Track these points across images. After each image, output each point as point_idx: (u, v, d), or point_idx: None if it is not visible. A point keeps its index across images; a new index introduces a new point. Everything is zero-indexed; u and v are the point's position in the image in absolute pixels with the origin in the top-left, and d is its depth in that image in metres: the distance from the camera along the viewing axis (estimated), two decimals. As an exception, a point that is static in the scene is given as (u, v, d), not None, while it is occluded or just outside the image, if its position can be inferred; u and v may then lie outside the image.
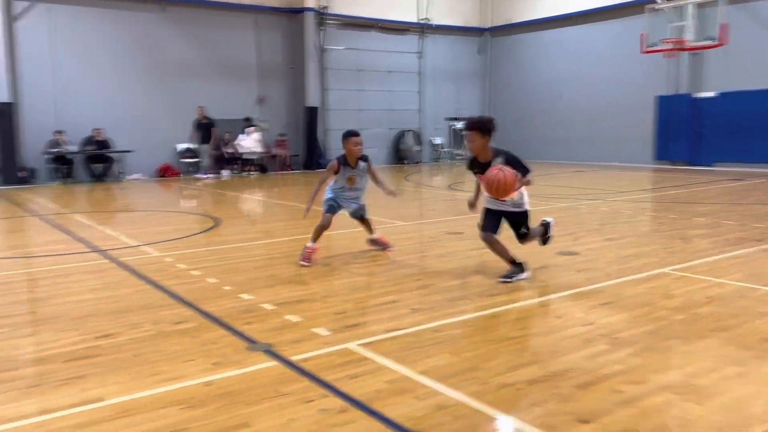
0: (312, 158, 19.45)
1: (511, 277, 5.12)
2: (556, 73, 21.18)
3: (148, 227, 8.82)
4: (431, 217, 9.80)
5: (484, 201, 5.32)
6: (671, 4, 16.65)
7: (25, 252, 7.32)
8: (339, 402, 2.96)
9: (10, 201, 12.21)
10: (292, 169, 19.23)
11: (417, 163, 21.71)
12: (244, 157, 18.02)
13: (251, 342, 3.81)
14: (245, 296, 4.86)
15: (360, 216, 6.39)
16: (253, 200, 12.69)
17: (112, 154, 16.59)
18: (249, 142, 17.97)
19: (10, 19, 15.37)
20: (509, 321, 4.27)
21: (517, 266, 5.19)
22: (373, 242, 6.54)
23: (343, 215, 6.37)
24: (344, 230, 7.37)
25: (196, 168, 17.52)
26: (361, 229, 6.59)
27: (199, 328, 4.13)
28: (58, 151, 15.85)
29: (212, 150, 17.32)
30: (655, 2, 16.76)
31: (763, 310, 4.36)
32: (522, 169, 4.97)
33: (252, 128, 18.15)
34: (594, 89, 20.00)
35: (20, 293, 5.37)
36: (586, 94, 20.25)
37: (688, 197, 11.11)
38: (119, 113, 16.73)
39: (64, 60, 16.11)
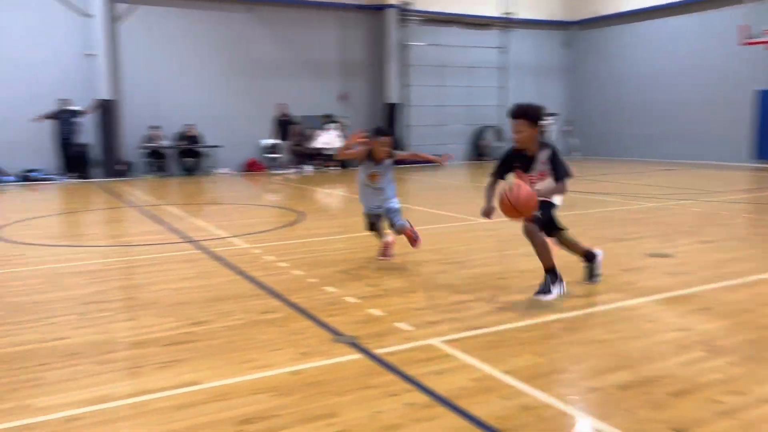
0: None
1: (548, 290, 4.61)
2: (646, 66, 20.27)
3: (236, 219, 9.16)
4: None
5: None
6: (776, -8, 15.59)
7: (124, 241, 7.78)
8: (424, 397, 2.98)
9: (109, 192, 12.99)
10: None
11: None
12: (323, 152, 18.35)
13: (336, 334, 3.89)
14: (329, 289, 4.96)
15: (390, 223, 5.93)
16: (333, 195, 12.91)
17: (202, 149, 17.35)
18: (327, 138, 18.28)
19: (113, 21, 16.34)
20: (596, 324, 4.14)
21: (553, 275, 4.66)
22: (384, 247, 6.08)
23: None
24: (418, 227, 7.37)
25: (277, 164, 18.02)
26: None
27: (286, 318, 4.26)
28: (153, 146, 16.75)
29: (293, 146, 17.74)
30: (757, -9, 15.74)
31: None
32: (561, 170, 4.48)
33: (331, 125, 18.45)
34: (685, 83, 18.99)
35: (120, 280, 5.71)
36: (677, 89, 19.26)
37: (792, 198, 10.40)
38: (208, 110, 17.45)
39: (160, 59, 16.96)
